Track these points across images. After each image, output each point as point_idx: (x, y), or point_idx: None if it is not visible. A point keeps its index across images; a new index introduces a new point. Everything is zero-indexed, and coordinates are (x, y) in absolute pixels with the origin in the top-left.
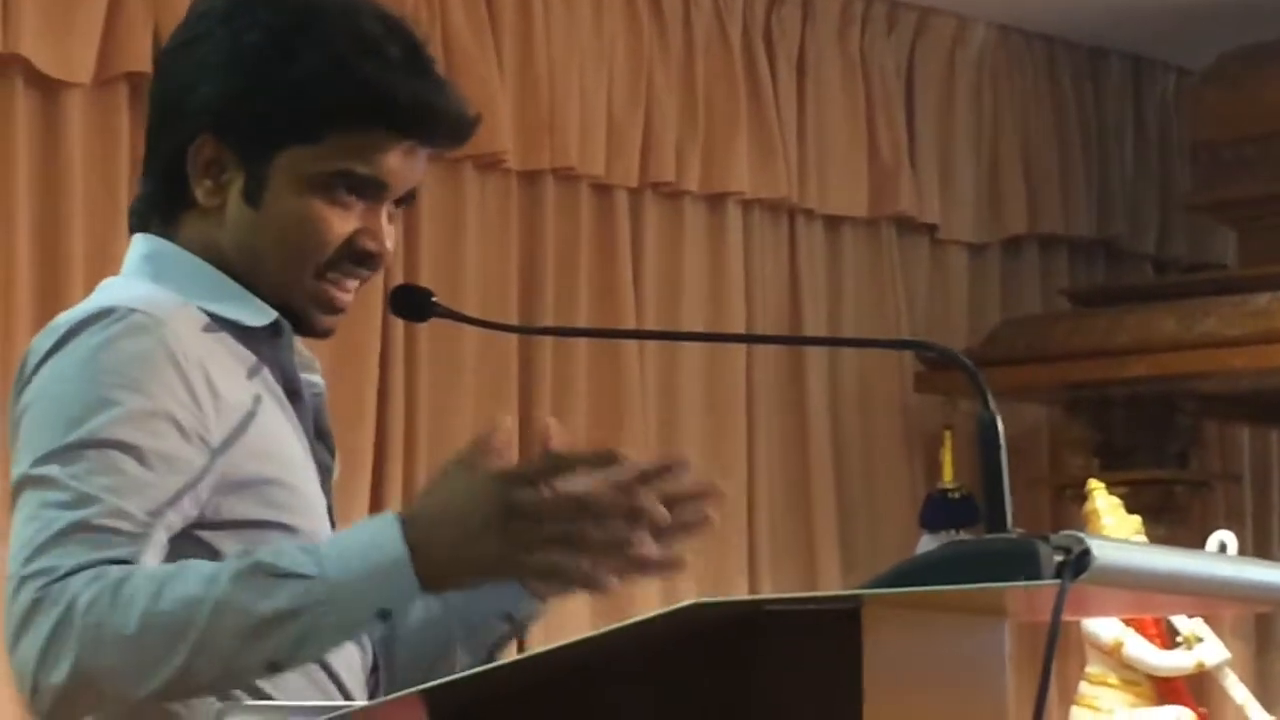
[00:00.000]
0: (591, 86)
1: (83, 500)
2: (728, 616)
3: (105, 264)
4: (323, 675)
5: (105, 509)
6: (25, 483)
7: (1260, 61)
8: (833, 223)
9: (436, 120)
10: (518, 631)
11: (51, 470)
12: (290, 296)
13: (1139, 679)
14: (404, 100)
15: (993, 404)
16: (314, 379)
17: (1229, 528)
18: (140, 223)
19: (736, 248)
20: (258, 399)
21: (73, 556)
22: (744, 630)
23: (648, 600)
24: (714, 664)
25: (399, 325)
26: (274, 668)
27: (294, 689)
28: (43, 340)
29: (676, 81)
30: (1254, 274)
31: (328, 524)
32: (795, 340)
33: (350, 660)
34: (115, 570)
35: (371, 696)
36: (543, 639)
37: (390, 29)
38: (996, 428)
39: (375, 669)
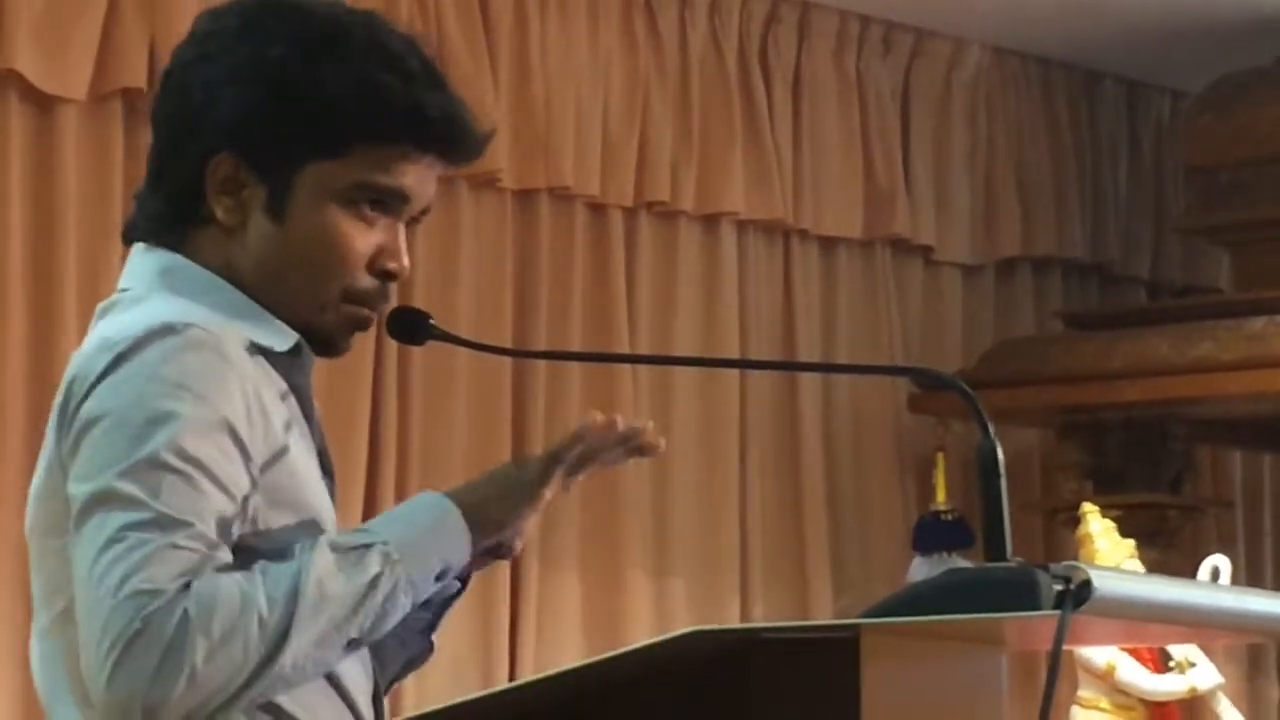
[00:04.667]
0: (587, 106)
1: (170, 523)
2: (725, 643)
3: (98, 279)
4: (341, 700)
5: (193, 533)
6: (102, 499)
7: (1255, 86)
8: (828, 244)
9: (461, 134)
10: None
11: (129, 488)
12: (315, 316)
13: (1131, 703)
14: (433, 114)
15: (993, 431)
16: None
17: (1221, 552)
18: (142, 237)
19: (731, 268)
20: (289, 426)
21: (171, 580)
22: (741, 657)
23: (642, 627)
24: (711, 691)
25: (392, 344)
26: (353, 644)
27: (321, 715)
28: (98, 357)
29: (672, 102)
30: (1249, 298)
31: None
32: (792, 366)
33: (363, 686)
34: (210, 584)
35: None
36: (540, 665)
37: (410, 47)
38: (996, 455)
39: (374, 695)
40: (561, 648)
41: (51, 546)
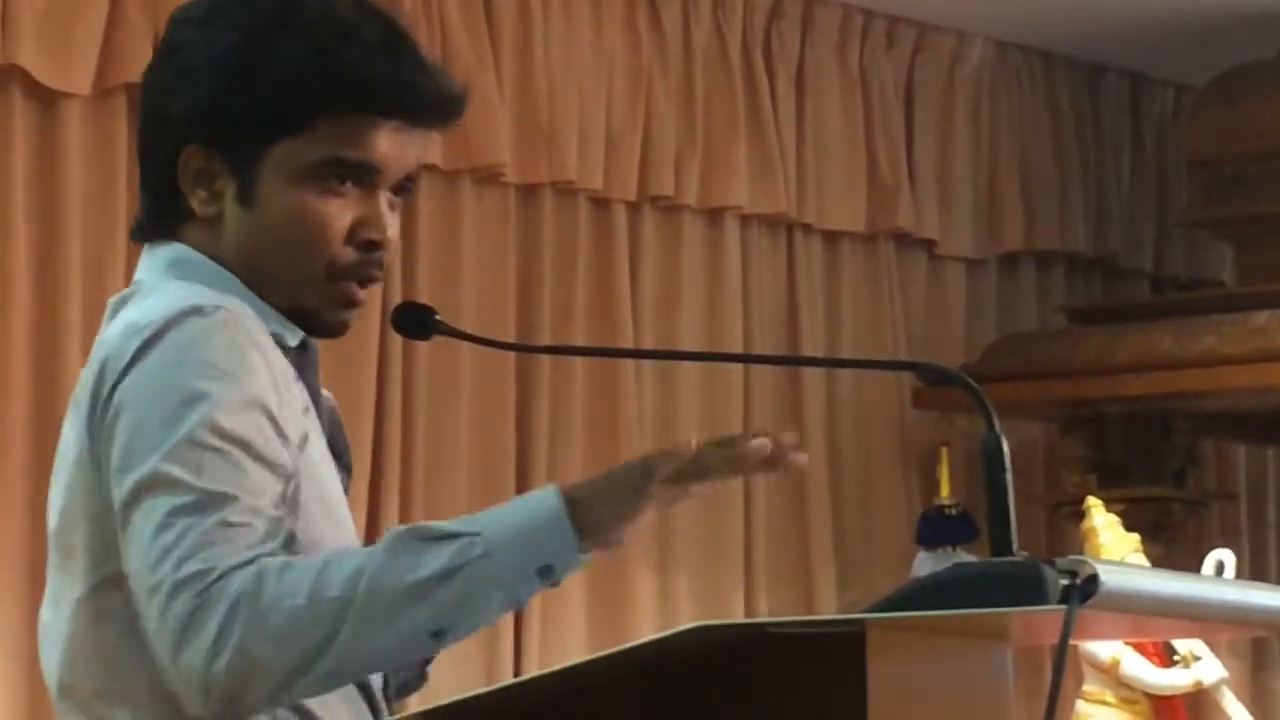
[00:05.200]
0: (590, 100)
1: (216, 500)
2: (730, 639)
3: (103, 275)
4: (363, 701)
5: (240, 506)
6: (147, 486)
7: (1258, 79)
8: (831, 238)
9: (418, 97)
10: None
11: (172, 471)
12: (302, 297)
13: (1136, 697)
14: (382, 80)
15: (998, 425)
16: (327, 394)
17: (1225, 545)
18: (143, 236)
19: (734, 262)
20: (306, 410)
21: (224, 556)
22: (746, 653)
23: (647, 622)
24: (716, 686)
25: (396, 339)
26: (440, 635)
27: (340, 715)
28: (127, 343)
29: (675, 96)
30: (1252, 292)
31: (354, 537)
32: (796, 361)
33: (379, 685)
34: (273, 560)
35: None
36: (544, 661)
37: (365, 14)
38: (1002, 449)
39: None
40: (566, 643)
41: (77, 538)
